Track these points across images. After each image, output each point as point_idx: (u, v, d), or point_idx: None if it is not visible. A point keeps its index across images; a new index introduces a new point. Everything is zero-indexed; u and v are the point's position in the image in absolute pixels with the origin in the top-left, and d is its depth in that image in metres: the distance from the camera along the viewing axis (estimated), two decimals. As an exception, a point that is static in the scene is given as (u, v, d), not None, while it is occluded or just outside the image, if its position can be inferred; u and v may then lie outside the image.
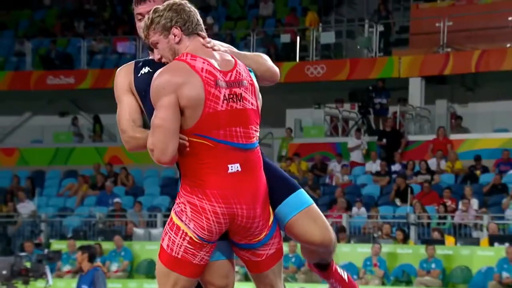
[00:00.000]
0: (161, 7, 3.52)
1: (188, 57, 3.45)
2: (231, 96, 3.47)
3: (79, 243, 14.30)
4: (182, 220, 3.42)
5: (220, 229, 3.46)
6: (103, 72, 20.58)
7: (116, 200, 17.45)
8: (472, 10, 19.16)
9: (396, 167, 17.57)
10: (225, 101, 3.45)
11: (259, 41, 20.59)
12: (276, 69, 3.84)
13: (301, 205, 3.73)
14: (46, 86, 20.86)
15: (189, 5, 3.58)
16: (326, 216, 14.29)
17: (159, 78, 3.38)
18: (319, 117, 19.85)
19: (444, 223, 15.52)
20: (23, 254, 14.78)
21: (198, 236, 3.41)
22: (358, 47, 20.48)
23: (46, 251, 14.77)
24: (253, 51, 20.15)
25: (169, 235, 3.44)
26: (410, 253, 14.52)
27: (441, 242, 14.53)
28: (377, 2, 21.35)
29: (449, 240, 14.74)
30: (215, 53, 3.56)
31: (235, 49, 3.74)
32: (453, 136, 18.29)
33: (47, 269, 11.07)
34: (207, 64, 3.46)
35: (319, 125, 19.66)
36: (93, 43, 21.55)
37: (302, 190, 3.80)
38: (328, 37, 20.18)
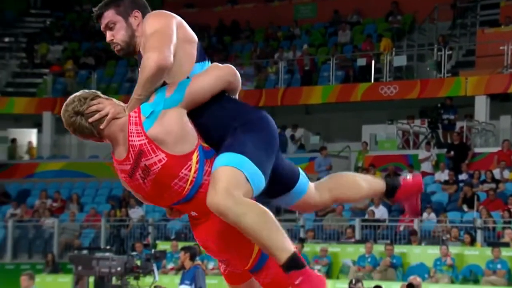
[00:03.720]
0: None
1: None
2: (144, 172, 3.08)
3: (181, 244, 14.53)
4: None
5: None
6: (201, 94, 20.86)
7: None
8: (534, 33, 18.72)
9: (463, 177, 17.23)
10: (145, 180, 3.08)
11: (338, 65, 20.58)
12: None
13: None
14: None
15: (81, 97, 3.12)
16: (399, 221, 14.01)
17: None
18: (392, 132, 19.67)
19: (509, 227, 15.12)
20: (134, 253, 15.11)
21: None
22: (428, 68, 20.25)
23: (153, 251, 15.05)
24: (332, 74, 20.31)
25: None
26: (477, 254, 14.20)
27: (507, 244, 14.18)
28: (445, 29, 21.08)
29: (514, 242, 14.37)
30: (119, 134, 3.09)
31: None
32: (517, 148, 17.83)
33: (154, 267, 11.29)
34: (118, 163, 3.13)
35: (392, 139, 19.47)
36: (192, 69, 21.91)
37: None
38: (401, 60, 20.03)
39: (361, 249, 14.51)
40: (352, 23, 22.62)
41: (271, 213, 3.03)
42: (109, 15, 3.17)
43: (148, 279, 10.96)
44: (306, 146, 20.39)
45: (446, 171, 17.37)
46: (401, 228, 15.67)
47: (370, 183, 3.45)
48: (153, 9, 3.29)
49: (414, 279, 11.19)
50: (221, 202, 2.94)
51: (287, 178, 3.30)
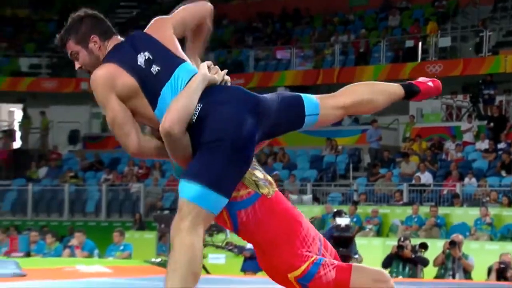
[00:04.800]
0: None
1: None
2: None
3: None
4: None
5: None
6: (265, 74, 20.97)
7: (275, 173, 17.71)
8: None
9: (502, 145, 16.83)
10: None
11: (388, 46, 20.27)
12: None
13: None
14: (224, 86, 21.44)
15: None
16: (443, 185, 13.76)
17: None
18: (437, 106, 19.33)
19: (543, 191, 14.75)
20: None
21: None
22: (470, 48, 19.77)
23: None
24: (383, 55, 20.02)
25: None
26: (514, 215, 13.94)
27: (541, 206, 13.86)
28: (486, 12, 20.49)
29: (549, 204, 14.01)
30: None
31: None
32: (552, 120, 17.32)
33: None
34: None
35: (437, 112, 19.14)
36: (258, 52, 21.95)
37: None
38: (445, 42, 19.62)
39: (409, 210, 14.38)
40: (401, 8, 22.21)
41: (192, 265, 2.68)
42: (71, 45, 2.93)
43: (220, 236, 11.13)
44: (359, 119, 20.24)
45: (486, 141, 17.00)
46: (445, 192, 15.46)
47: (388, 95, 3.09)
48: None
49: (456, 236, 11.04)
50: (171, 233, 2.76)
51: (295, 118, 2.97)
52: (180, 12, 3.06)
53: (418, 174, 15.95)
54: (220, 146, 2.71)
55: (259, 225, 2.87)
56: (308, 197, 16.00)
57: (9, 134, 22.47)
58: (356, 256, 9.84)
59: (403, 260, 10.72)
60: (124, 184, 19.33)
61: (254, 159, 2.98)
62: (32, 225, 16.85)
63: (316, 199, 16.22)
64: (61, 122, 22.58)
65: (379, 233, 14.34)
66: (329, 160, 18.29)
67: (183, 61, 2.91)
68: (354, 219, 13.95)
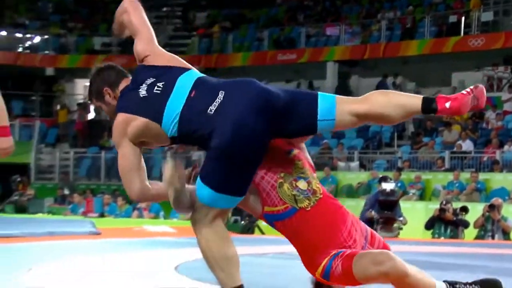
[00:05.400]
0: None
1: None
2: None
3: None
4: None
5: None
6: (316, 50, 20.75)
7: (325, 141, 17.63)
8: None
9: (541, 115, 16.29)
10: None
11: (432, 21, 19.76)
12: None
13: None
14: (277, 61, 21.37)
15: None
16: (483, 152, 13.45)
17: None
18: (478, 78, 18.77)
19: None
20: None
21: None
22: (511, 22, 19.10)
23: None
24: (427, 30, 19.51)
25: None
26: (553, 179, 13.52)
27: None
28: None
29: None
30: None
31: None
32: None
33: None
34: None
35: (479, 83, 18.61)
36: (309, 29, 21.70)
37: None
38: (488, 16, 18.97)
39: (450, 176, 14.14)
40: (445, -15, 21.55)
41: (222, 252, 2.72)
42: (94, 103, 3.03)
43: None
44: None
45: (526, 110, 16.49)
46: (485, 159, 15.11)
47: (405, 111, 2.82)
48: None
49: (496, 200, 10.81)
50: (193, 229, 2.79)
51: (306, 117, 2.76)
52: (146, 28, 3.21)
53: (460, 142, 15.62)
54: (224, 154, 2.64)
55: (295, 233, 2.79)
56: (355, 164, 15.91)
57: (84, 107, 23.00)
58: (401, 218, 9.77)
59: (445, 222, 10.58)
60: (186, 152, 19.59)
61: (303, 167, 2.84)
62: (105, 189, 17.31)
63: (362, 166, 16.11)
64: (129, 96, 22.98)
65: (422, 197, 14.17)
66: (375, 129, 18.08)
67: (186, 70, 2.94)
68: (399, 184, 13.81)
